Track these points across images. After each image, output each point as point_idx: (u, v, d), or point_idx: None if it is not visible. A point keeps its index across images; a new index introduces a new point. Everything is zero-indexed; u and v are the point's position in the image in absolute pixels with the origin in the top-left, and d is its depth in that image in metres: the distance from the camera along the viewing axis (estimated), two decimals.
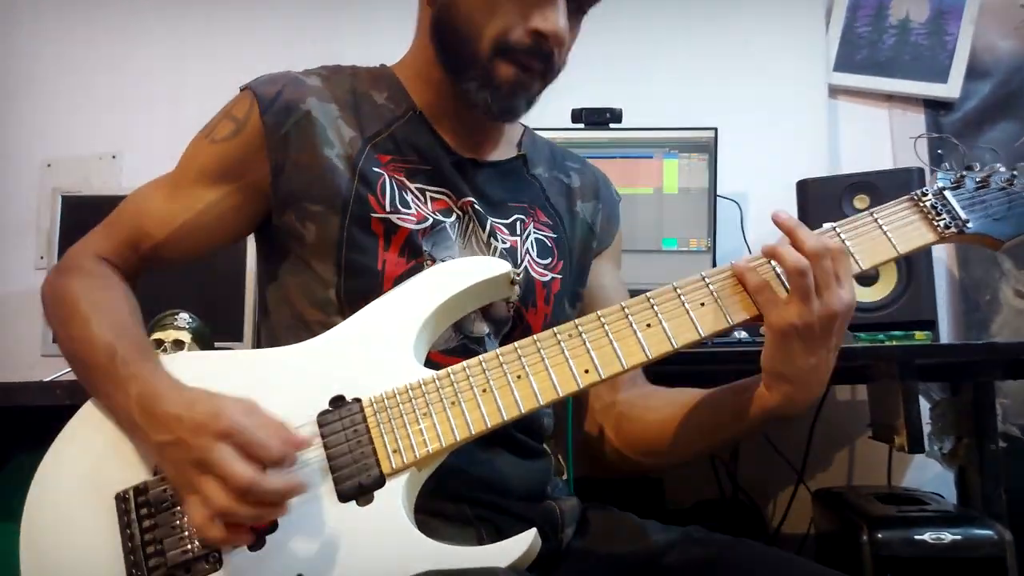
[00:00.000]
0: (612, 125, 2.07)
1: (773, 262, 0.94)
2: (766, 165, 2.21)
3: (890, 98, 2.33)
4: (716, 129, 2.05)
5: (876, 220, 0.98)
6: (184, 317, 1.79)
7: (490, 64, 1.04)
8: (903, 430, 1.48)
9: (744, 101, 2.28)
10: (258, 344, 1.15)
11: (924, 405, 1.85)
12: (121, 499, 0.94)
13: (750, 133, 2.21)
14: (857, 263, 0.96)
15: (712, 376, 1.17)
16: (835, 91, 2.34)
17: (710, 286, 0.96)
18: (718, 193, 2.05)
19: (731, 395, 1.04)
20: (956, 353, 1.48)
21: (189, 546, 0.91)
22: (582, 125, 2.06)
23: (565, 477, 1.21)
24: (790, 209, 1.96)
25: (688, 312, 0.95)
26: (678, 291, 0.97)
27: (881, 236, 0.97)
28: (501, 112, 1.09)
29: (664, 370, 1.34)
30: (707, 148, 2.05)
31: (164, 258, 1.13)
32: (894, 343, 1.66)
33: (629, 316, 0.96)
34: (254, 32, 2.39)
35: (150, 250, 1.12)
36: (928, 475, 2.13)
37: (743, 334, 1.67)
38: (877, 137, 2.32)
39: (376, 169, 1.08)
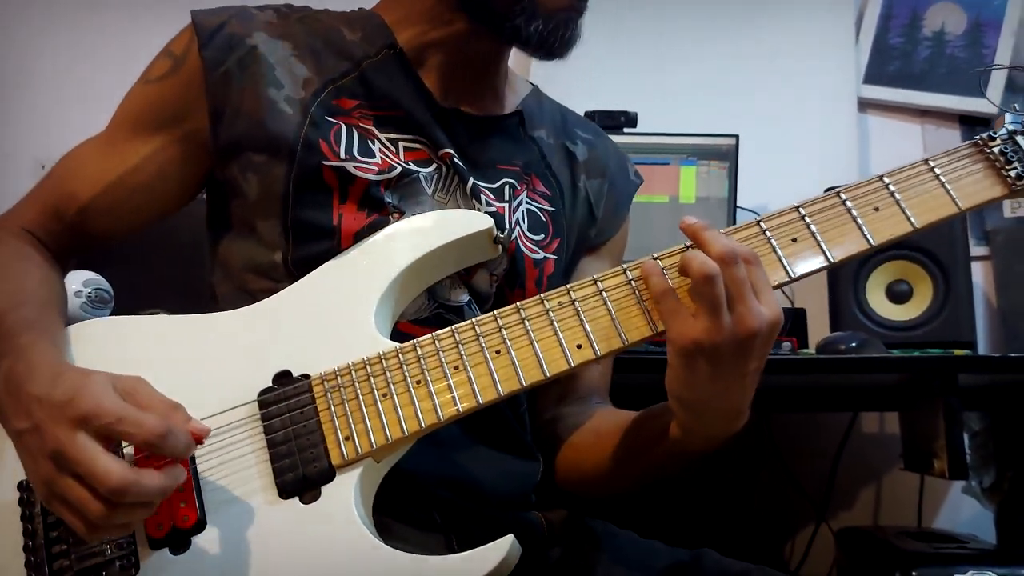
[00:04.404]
0: (627, 129, 1.94)
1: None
2: (790, 177, 2.07)
3: (923, 113, 2.20)
4: (737, 137, 1.92)
5: (933, 169, 0.82)
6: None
7: None
8: (943, 453, 1.32)
9: (768, 110, 2.15)
10: None
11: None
12: (25, 487, 0.81)
13: (773, 143, 2.09)
14: (910, 220, 0.80)
15: None
16: (865, 104, 2.21)
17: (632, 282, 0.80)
18: (738, 204, 1.92)
19: (643, 423, 0.90)
20: (1003, 368, 1.33)
21: (99, 547, 0.77)
22: None
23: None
24: None
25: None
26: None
27: (939, 188, 0.81)
28: (560, 43, 0.95)
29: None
30: (727, 156, 1.92)
31: (94, 227, 0.98)
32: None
33: (632, 283, 0.80)
34: None
35: (76, 216, 0.96)
36: (963, 516, 1.97)
37: None
38: (909, 153, 2.15)
39: (331, 117, 0.93)
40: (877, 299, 1.71)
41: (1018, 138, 0.82)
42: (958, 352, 1.52)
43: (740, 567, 0.95)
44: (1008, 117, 0.84)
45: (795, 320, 1.79)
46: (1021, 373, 1.42)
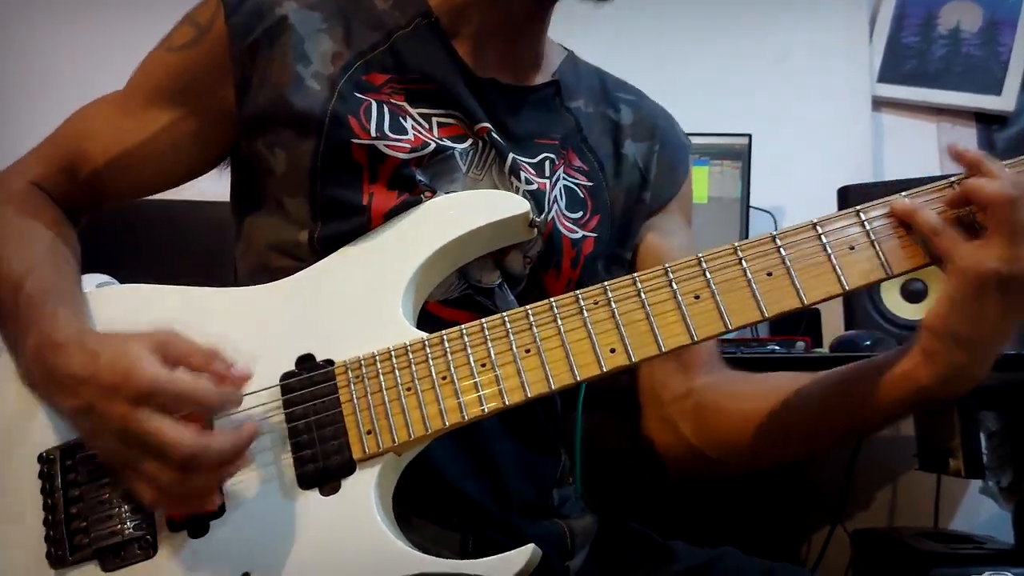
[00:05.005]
0: None
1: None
2: (803, 176, 2.07)
3: (939, 111, 2.19)
4: (750, 136, 1.92)
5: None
6: None
7: None
8: (959, 452, 1.31)
9: (781, 109, 2.15)
10: None
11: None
12: (45, 460, 0.80)
13: (787, 142, 2.08)
14: None
15: None
16: (879, 103, 2.20)
17: (782, 250, 0.77)
18: (751, 203, 1.92)
19: (860, 374, 0.83)
20: (1018, 366, 1.32)
21: (119, 526, 0.77)
22: None
23: (572, 481, 1.03)
24: None
25: (751, 284, 0.76)
26: (740, 255, 0.77)
27: None
28: None
29: None
30: (740, 155, 1.92)
31: (107, 190, 0.97)
32: None
33: (673, 283, 0.77)
34: None
35: (89, 178, 0.95)
36: (980, 517, 1.95)
37: (777, 347, 1.53)
38: (924, 152, 2.17)
39: (360, 93, 0.90)
40: (892, 298, 1.70)
41: None
42: None
43: (763, 565, 0.93)
44: None
45: (809, 319, 1.79)
46: None
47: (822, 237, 0.77)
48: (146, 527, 0.77)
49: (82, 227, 0.99)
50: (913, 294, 1.70)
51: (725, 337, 1.70)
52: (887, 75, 2.20)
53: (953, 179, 0.77)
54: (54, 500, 0.79)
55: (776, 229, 1.94)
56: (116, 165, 0.95)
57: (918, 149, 2.18)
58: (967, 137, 2.17)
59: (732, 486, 1.94)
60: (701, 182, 1.93)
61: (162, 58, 0.95)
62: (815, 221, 0.78)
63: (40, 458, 0.81)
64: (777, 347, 1.54)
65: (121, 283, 1.60)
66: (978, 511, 1.96)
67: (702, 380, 0.98)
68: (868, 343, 1.45)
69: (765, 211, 2.04)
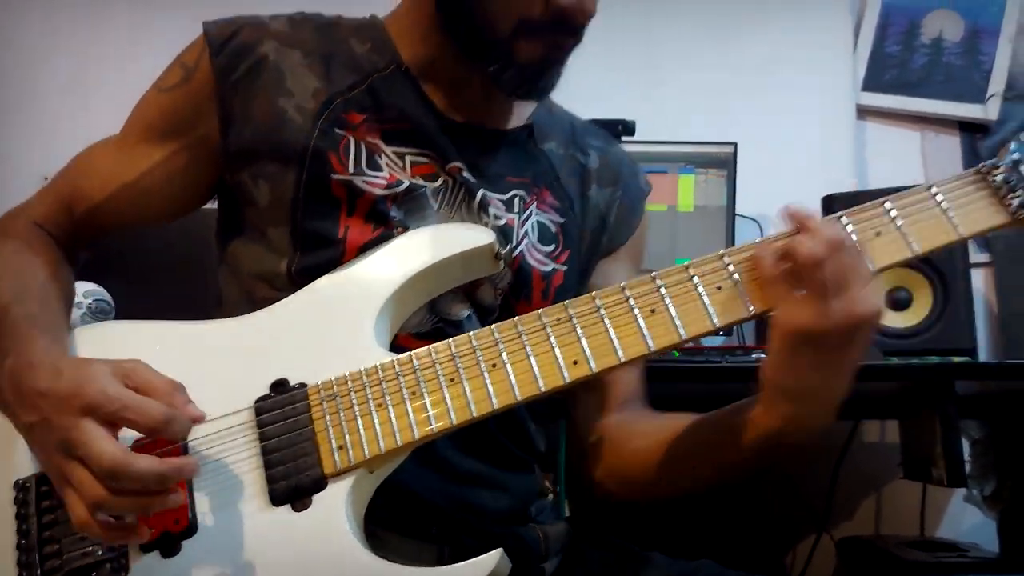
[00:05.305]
0: (624, 138, 1.93)
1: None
2: (789, 184, 2.05)
3: (922, 119, 2.20)
4: (736, 144, 1.92)
5: (935, 196, 0.81)
6: None
7: (513, 42, 0.90)
8: (941, 461, 1.32)
9: (766, 118, 2.15)
10: None
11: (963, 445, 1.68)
12: (20, 487, 0.81)
13: (772, 151, 2.08)
14: (910, 246, 0.79)
15: (724, 396, 1.02)
16: (863, 111, 2.22)
17: (729, 267, 0.81)
18: (737, 212, 1.92)
19: (724, 418, 0.87)
20: (999, 374, 1.32)
21: (91, 548, 0.78)
22: None
23: (551, 498, 1.05)
24: None
25: (702, 297, 0.80)
26: (691, 272, 0.81)
27: (940, 216, 0.80)
28: (532, 92, 0.96)
29: (670, 390, 1.20)
30: (726, 164, 1.92)
31: (102, 224, 1.01)
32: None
33: (630, 300, 0.81)
34: None
35: (85, 214, 0.99)
36: (965, 525, 1.96)
37: (762, 355, 1.53)
38: (908, 160, 2.19)
39: (340, 129, 0.93)
40: None
41: (1022, 167, 0.81)
42: (956, 360, 1.51)
43: None
44: (1012, 146, 0.82)
45: None
46: (1018, 380, 1.41)
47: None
48: (118, 548, 0.77)
49: (82, 263, 1.03)
50: (898, 302, 1.71)
51: (711, 345, 1.71)
52: (871, 84, 2.21)
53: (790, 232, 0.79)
54: (28, 525, 0.79)
55: (761, 236, 1.95)
56: (112, 201, 0.99)
57: (902, 158, 2.19)
58: (951, 145, 2.18)
59: (718, 496, 1.94)
60: (687, 190, 1.93)
61: (155, 98, 0.99)
62: (758, 241, 0.81)
63: (15, 485, 0.82)
64: (763, 355, 1.53)
65: (108, 291, 1.61)
66: (963, 518, 1.97)
67: (613, 417, 1.02)
68: None
69: (751, 219, 2.04)
